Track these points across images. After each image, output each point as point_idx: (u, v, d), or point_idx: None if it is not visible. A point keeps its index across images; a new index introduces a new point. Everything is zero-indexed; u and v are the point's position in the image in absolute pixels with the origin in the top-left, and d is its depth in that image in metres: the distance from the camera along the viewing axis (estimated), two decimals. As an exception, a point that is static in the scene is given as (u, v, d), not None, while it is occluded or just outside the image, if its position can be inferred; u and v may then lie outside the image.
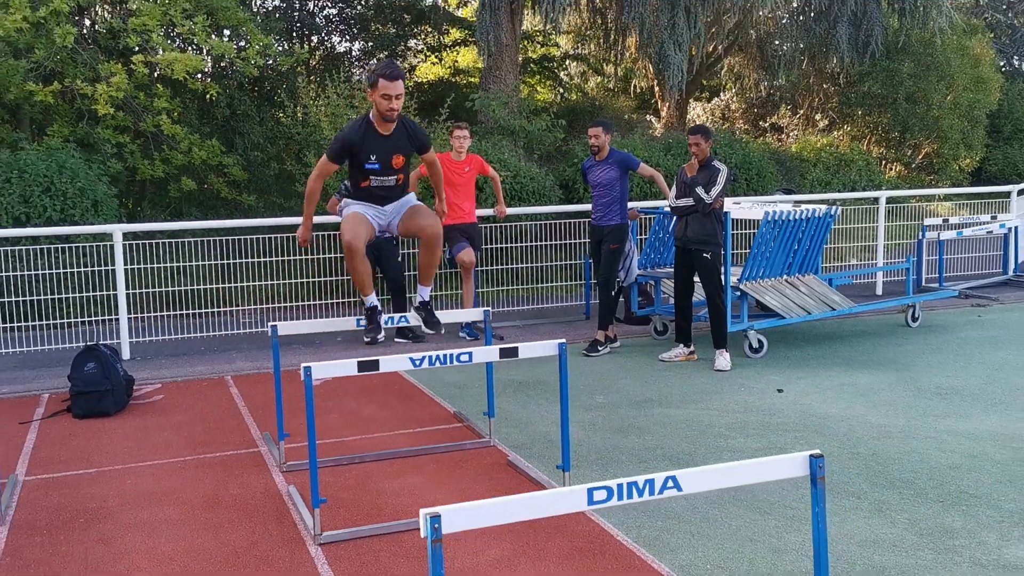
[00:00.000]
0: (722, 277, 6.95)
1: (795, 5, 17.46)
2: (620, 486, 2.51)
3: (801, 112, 20.39)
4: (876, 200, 10.39)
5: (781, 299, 7.33)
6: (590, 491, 2.50)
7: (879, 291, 10.10)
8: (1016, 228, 10.34)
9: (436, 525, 2.30)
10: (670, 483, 2.56)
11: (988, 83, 18.64)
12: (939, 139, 18.12)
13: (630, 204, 7.84)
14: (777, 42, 17.92)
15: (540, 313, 9.24)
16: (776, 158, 15.62)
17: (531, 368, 7.05)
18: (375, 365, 4.04)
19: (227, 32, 12.01)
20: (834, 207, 7.63)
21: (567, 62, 19.17)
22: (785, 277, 7.57)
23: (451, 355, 4.15)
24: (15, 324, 8.03)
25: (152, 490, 4.63)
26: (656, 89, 18.79)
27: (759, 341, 7.27)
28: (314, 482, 3.96)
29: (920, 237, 9.87)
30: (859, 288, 10.29)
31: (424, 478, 4.71)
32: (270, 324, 4.88)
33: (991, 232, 10.25)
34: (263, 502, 4.44)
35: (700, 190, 6.83)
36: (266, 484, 4.69)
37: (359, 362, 4.01)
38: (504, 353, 4.24)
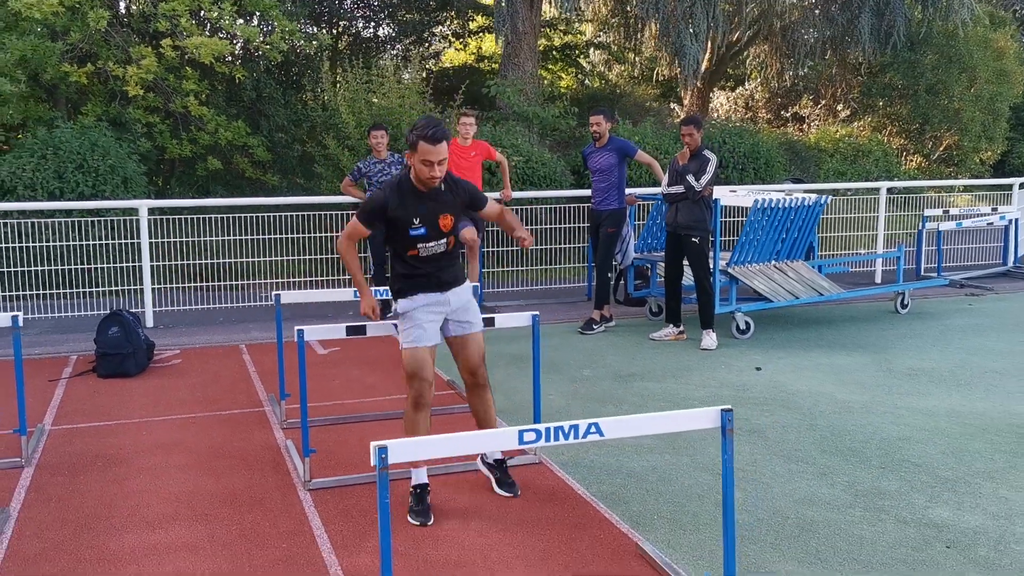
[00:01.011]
0: (710, 261, 7.29)
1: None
2: (548, 429, 2.91)
3: (823, 102, 20.51)
4: (878, 190, 10.63)
5: (769, 283, 7.65)
6: (521, 432, 2.90)
7: (878, 279, 10.36)
8: (1016, 220, 10.53)
9: (383, 455, 2.71)
10: (592, 429, 2.95)
11: (1011, 76, 18.64)
12: (960, 131, 18.19)
13: (630, 190, 8.19)
14: (800, 31, 18.01)
15: (545, 293, 9.62)
16: (792, 148, 15.84)
17: (527, 343, 7.44)
18: (362, 330, 4.46)
19: (256, 16, 12.47)
20: (824, 196, 7.93)
21: (589, 50, 19.43)
22: (774, 263, 7.88)
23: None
24: (48, 291, 8.55)
25: (164, 441, 5.10)
26: (691, 75, 19.04)
27: (746, 323, 7.60)
28: (305, 433, 4.39)
29: (920, 227, 10.10)
30: (859, 276, 10.55)
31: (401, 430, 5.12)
32: (274, 293, 5.32)
33: (991, 224, 10.45)
34: (262, 453, 4.89)
35: (691, 178, 7.17)
36: (267, 438, 5.14)
37: (347, 327, 4.44)
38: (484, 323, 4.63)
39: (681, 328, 7.62)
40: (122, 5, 11.39)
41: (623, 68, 21.38)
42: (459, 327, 4.22)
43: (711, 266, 7.32)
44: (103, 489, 4.37)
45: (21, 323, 4.71)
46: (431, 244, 4.09)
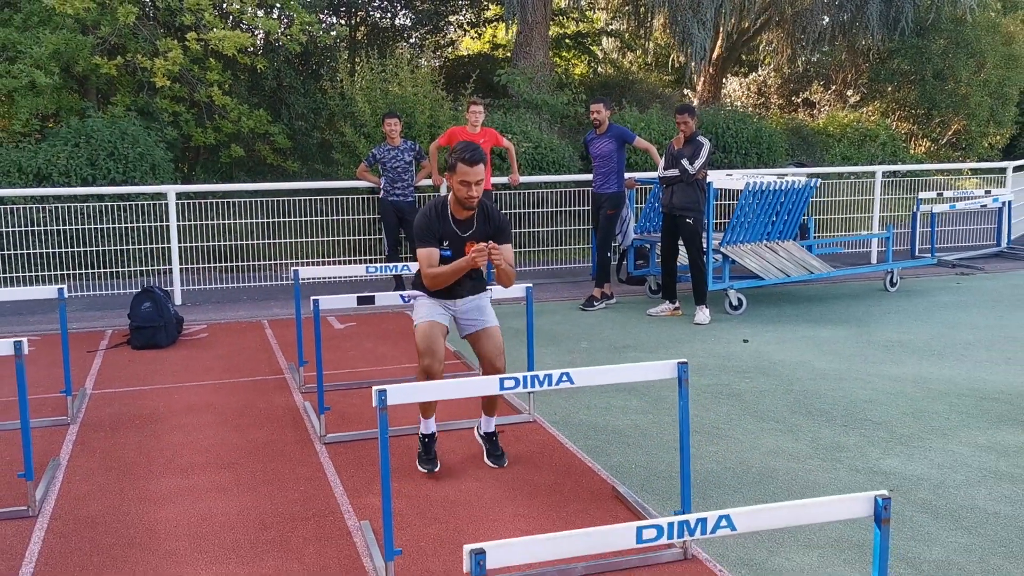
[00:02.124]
0: (703, 241, 7.72)
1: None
2: (524, 378, 3.38)
3: (833, 88, 20.77)
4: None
5: (760, 262, 8.07)
6: (501, 380, 3.37)
7: (873, 259, 10.73)
8: (1009, 203, 10.86)
9: (383, 397, 3.19)
10: (564, 377, 3.42)
11: (1021, 61, 18.84)
12: (968, 116, 18.43)
13: (629, 174, 8.61)
14: (811, 18, 18.26)
15: (551, 273, 10.08)
16: (799, 133, 16.16)
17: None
18: (371, 300, 4.95)
19: (276, 9, 12.95)
20: (814, 179, 8.32)
21: (601, 38, 19.78)
22: (765, 242, 8.30)
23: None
24: (84, 271, 9.10)
25: (194, 403, 5.62)
26: (698, 63, 19.36)
27: (738, 299, 8.03)
28: (320, 392, 4.90)
29: (914, 209, 10.46)
30: (856, 256, 10.93)
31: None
32: (292, 268, 5.81)
33: (985, 206, 10.79)
34: (283, 413, 5.40)
35: (685, 162, 7.59)
36: (287, 400, 5.65)
37: (358, 297, 4.93)
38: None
39: (677, 304, 8.05)
40: (148, 1, 11.90)
41: (637, 55, 21.73)
42: (471, 324, 4.44)
43: (704, 246, 7.75)
44: (141, 442, 4.89)
45: (66, 295, 5.23)
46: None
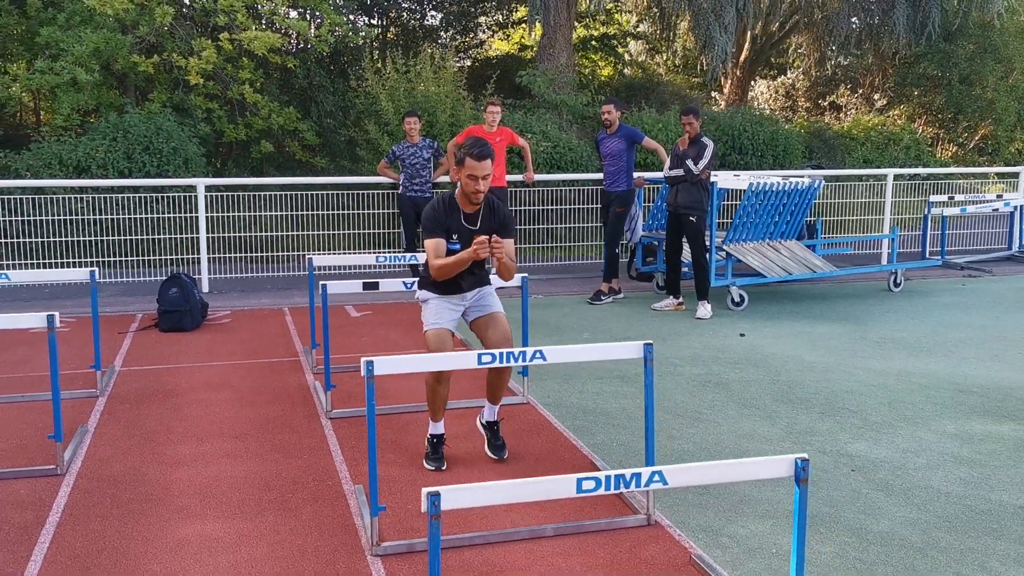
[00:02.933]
0: (706, 239, 7.99)
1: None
2: (501, 354, 3.71)
3: (860, 91, 20.84)
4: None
5: (762, 260, 8.33)
6: (480, 355, 3.71)
7: (883, 260, 10.91)
8: (1021, 207, 10.98)
9: (370, 367, 3.54)
10: (538, 355, 3.74)
11: (1050, 67, 18.81)
12: (994, 121, 18.43)
13: (638, 173, 8.91)
14: (839, 21, 18.36)
15: (564, 268, 10.40)
16: (821, 136, 16.31)
17: (541, 311, 8.23)
18: (376, 285, 5.31)
19: (307, 11, 13.40)
20: (817, 181, 8.56)
21: (627, 40, 20.05)
22: (768, 241, 8.55)
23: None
24: (117, 258, 9.58)
25: (213, 380, 6.02)
26: (720, 66, 19.57)
27: (740, 296, 8.29)
28: (327, 371, 5.27)
29: (926, 212, 10.63)
30: (867, 257, 11.12)
31: (418, 380, 5.96)
32: (307, 257, 6.19)
33: (996, 210, 10.92)
34: (294, 391, 5.78)
35: (690, 162, 7.87)
36: (299, 380, 6.03)
37: (364, 283, 5.29)
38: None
39: (680, 299, 8.33)
40: (186, 1, 12.40)
41: (665, 58, 21.97)
42: (478, 310, 4.56)
43: (707, 243, 8.02)
44: (162, 414, 5.29)
45: (97, 278, 5.65)
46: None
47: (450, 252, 4.38)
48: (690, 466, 2.84)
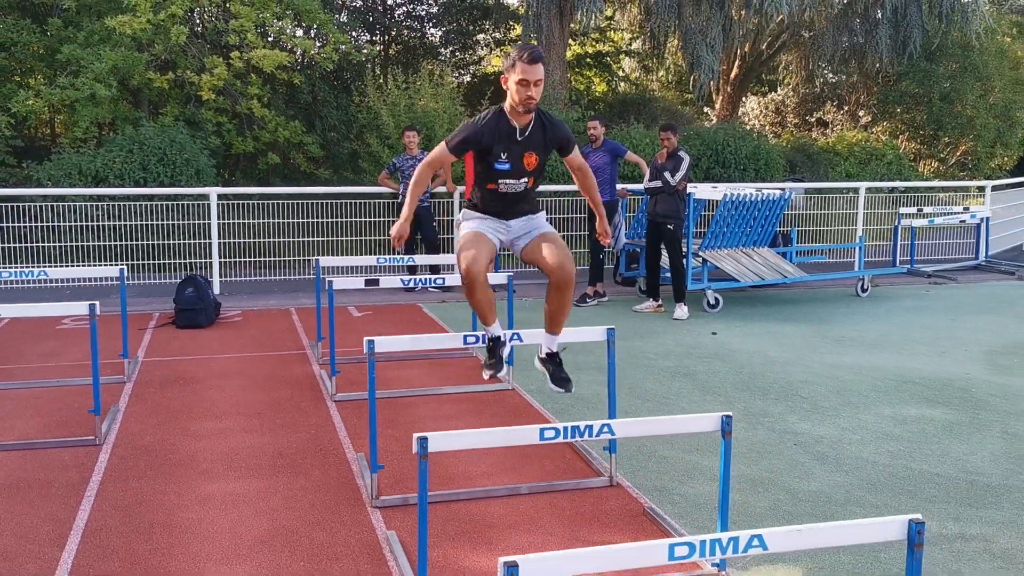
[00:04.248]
0: (683, 245, 8.62)
1: (838, 9, 18.59)
2: (483, 335, 4.33)
3: (846, 108, 21.53)
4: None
5: (736, 265, 8.95)
6: (465, 336, 4.33)
7: (856, 267, 11.52)
8: (987, 219, 11.61)
9: (372, 345, 4.15)
10: (516, 337, 4.36)
11: (1029, 85, 19.53)
12: (974, 138, 19.11)
13: (622, 185, 9.54)
14: (822, 41, 19.02)
15: (554, 275, 10.99)
16: (805, 151, 16.96)
17: (530, 312, 8.84)
18: (376, 282, 5.93)
19: (312, 30, 14.09)
20: (788, 192, 9.19)
21: (620, 57, 20.75)
22: (741, 248, 9.17)
23: (431, 279, 6.03)
24: (135, 262, 10.20)
25: (228, 369, 6.63)
26: (708, 83, 20.27)
27: (715, 299, 8.91)
28: (332, 358, 5.88)
29: (896, 223, 11.26)
30: (842, 265, 11.74)
31: (418, 370, 6.58)
32: (315, 259, 6.81)
33: (963, 222, 11.55)
34: (302, 379, 6.39)
35: (667, 174, 8.50)
36: (306, 369, 6.65)
37: (365, 279, 5.92)
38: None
39: (659, 302, 8.94)
40: (198, 22, 13.07)
41: (660, 75, 22.68)
42: (524, 238, 4.30)
43: (684, 250, 8.64)
44: (184, 396, 5.91)
45: (126, 273, 6.27)
46: (511, 181, 4.08)
47: (498, 173, 4.10)
48: (633, 420, 3.46)
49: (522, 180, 4.14)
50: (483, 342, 4.42)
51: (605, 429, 3.38)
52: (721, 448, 3.43)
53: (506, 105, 4.08)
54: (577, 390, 6.07)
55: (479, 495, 4.28)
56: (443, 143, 4.12)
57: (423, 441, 3.14)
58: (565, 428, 3.32)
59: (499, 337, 4.33)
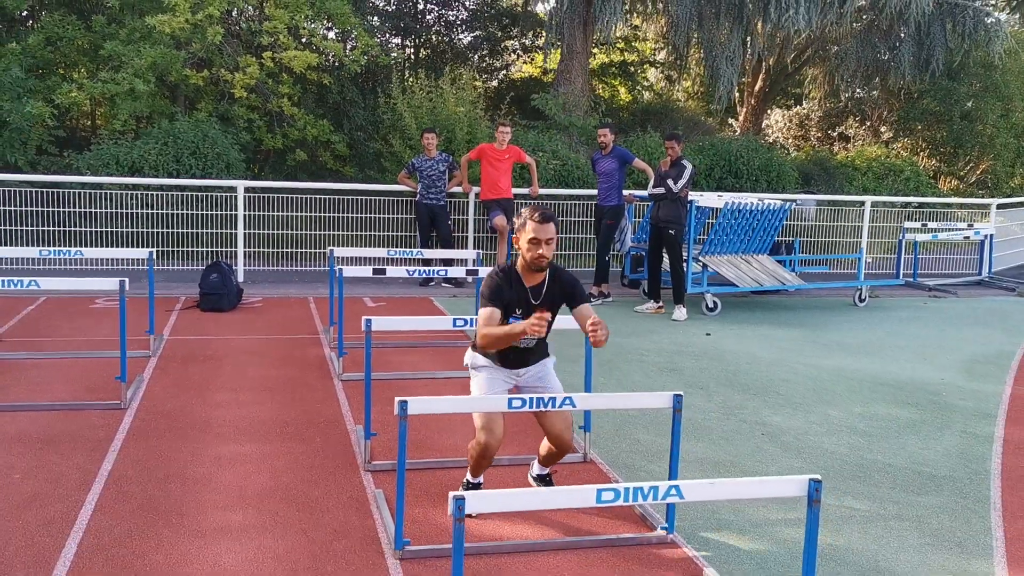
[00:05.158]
0: (683, 250, 9.00)
1: (864, 24, 18.82)
2: (468, 319, 4.76)
3: (869, 124, 21.76)
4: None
5: (735, 271, 9.31)
6: (455, 320, 4.76)
7: (861, 277, 11.83)
8: (991, 236, 11.87)
9: (369, 323, 4.60)
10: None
11: (1051, 106, 19.65)
12: (994, 157, 19.28)
13: (628, 192, 9.95)
14: (845, 57, 19.26)
15: (564, 275, 11.41)
16: (822, 165, 17.25)
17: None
18: (383, 271, 6.39)
19: (343, 32, 14.61)
20: (788, 203, 9.54)
21: (643, 66, 21.14)
22: (741, 255, 9.53)
23: (434, 270, 6.48)
24: (164, 248, 10.76)
25: (246, 349, 7.12)
26: (735, 95, 20.60)
27: (714, 302, 9.28)
28: (340, 341, 6.35)
29: (900, 238, 11.55)
30: (847, 276, 12.05)
31: (420, 356, 7.03)
32: (330, 249, 7.29)
33: (967, 238, 11.82)
34: (313, 359, 6.86)
35: (670, 182, 8.89)
36: (318, 352, 7.12)
37: (374, 269, 6.37)
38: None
39: (660, 304, 9.33)
40: (234, 22, 13.64)
41: (687, 85, 23.03)
42: (535, 384, 4.26)
43: (684, 254, 9.02)
44: (203, 371, 6.40)
45: (154, 256, 6.78)
46: (525, 338, 3.93)
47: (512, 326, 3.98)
48: (594, 395, 3.89)
49: (535, 337, 3.97)
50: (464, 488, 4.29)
51: (568, 402, 3.80)
52: (672, 421, 3.83)
53: (518, 264, 4.08)
54: (562, 378, 6.48)
55: (462, 464, 4.70)
56: (483, 309, 4.03)
57: (403, 404, 3.58)
58: (531, 399, 3.74)
59: (479, 483, 4.29)
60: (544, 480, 4.43)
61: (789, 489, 2.90)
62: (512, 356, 4.18)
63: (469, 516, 2.59)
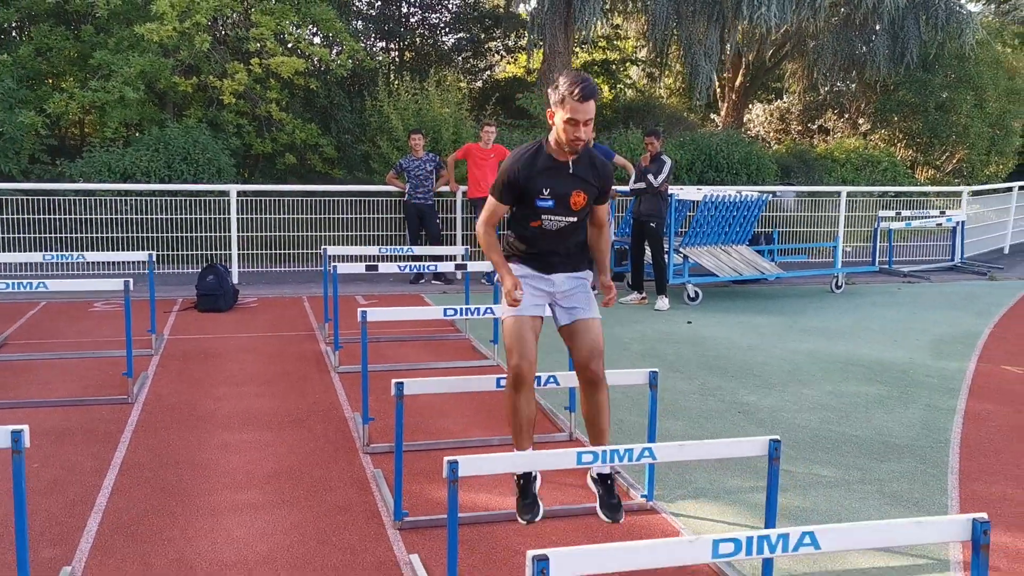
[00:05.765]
0: (664, 242, 9.32)
1: (840, 19, 19.18)
2: (465, 308, 5.05)
3: (847, 116, 22.14)
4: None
5: (715, 261, 9.64)
6: (445, 309, 5.05)
7: (838, 265, 12.19)
8: (963, 223, 12.24)
9: (364, 315, 4.89)
10: (487, 311, 5.08)
11: (1023, 95, 20.06)
12: (969, 146, 19.68)
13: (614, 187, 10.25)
14: (822, 51, 19.62)
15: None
16: (801, 157, 17.60)
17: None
18: (375, 267, 6.68)
19: (328, 37, 14.87)
20: (765, 195, 9.87)
21: (626, 65, 21.47)
22: (720, 246, 9.86)
23: (424, 266, 6.77)
24: (160, 252, 10.99)
25: (243, 346, 7.39)
26: (716, 91, 20.94)
27: (695, 292, 9.59)
28: (336, 335, 6.63)
29: (875, 226, 11.90)
30: (824, 264, 12.39)
31: (414, 349, 7.32)
32: (323, 248, 7.56)
33: (940, 225, 12.18)
34: (310, 355, 7.14)
35: (650, 176, 9.20)
36: (313, 347, 7.40)
37: (366, 265, 6.66)
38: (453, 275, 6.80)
39: (643, 295, 9.64)
40: (221, 30, 13.89)
41: (669, 81, 23.36)
42: (566, 314, 3.88)
43: (665, 246, 9.34)
44: (204, 367, 6.67)
45: (154, 258, 7.05)
46: (556, 218, 3.68)
47: (540, 209, 3.68)
48: (573, 373, 4.18)
49: (569, 219, 3.70)
50: (515, 486, 3.82)
51: (551, 380, 4.10)
52: (648, 397, 4.13)
53: (551, 139, 3.66)
54: (553, 361, 6.80)
55: (455, 445, 5.01)
56: (491, 198, 3.75)
57: (400, 385, 3.87)
58: (499, 380, 4.03)
59: (530, 473, 3.73)
60: (603, 482, 3.75)
61: (752, 449, 3.20)
62: (537, 257, 3.77)
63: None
